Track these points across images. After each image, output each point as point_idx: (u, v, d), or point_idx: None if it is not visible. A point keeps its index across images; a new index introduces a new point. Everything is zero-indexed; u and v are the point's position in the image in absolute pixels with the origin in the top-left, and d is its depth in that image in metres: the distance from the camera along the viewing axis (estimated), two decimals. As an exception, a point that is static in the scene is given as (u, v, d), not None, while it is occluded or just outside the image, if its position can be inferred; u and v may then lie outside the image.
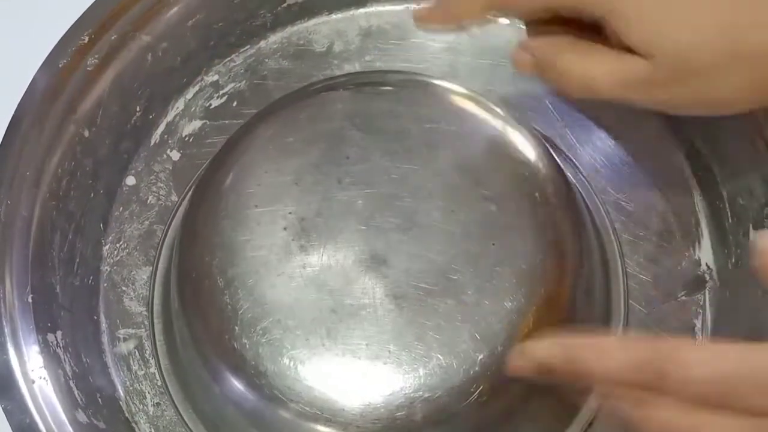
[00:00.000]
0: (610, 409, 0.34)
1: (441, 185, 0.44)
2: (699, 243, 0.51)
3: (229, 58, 0.58)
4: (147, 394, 0.49)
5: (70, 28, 0.50)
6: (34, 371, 0.44)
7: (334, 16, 0.59)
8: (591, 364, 0.34)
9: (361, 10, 0.59)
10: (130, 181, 0.54)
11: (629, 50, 0.37)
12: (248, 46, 0.58)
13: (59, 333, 0.47)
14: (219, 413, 0.47)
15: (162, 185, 0.54)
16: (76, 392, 0.45)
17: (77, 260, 0.50)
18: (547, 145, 0.51)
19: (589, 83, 0.38)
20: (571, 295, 0.44)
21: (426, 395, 0.41)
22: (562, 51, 0.38)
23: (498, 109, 0.48)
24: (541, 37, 0.39)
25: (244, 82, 0.57)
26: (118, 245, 0.53)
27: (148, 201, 0.54)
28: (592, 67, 0.37)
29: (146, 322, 0.51)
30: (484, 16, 0.40)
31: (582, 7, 0.37)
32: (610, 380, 0.33)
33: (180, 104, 0.56)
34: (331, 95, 0.48)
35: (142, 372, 0.50)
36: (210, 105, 0.57)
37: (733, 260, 0.49)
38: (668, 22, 0.36)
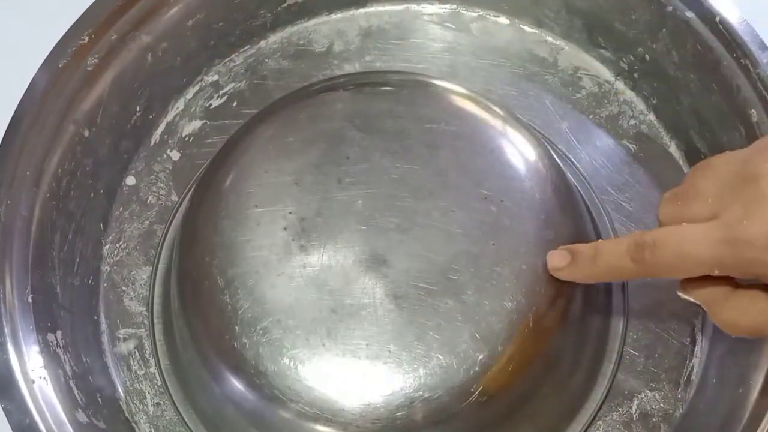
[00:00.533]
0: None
1: (441, 185, 0.44)
2: (699, 243, 0.51)
3: (229, 58, 0.58)
4: (147, 394, 0.49)
5: (70, 28, 0.50)
6: (34, 371, 0.44)
7: (334, 16, 0.59)
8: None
9: (361, 10, 0.59)
10: (130, 181, 0.54)
11: None
12: (248, 46, 0.58)
13: (59, 333, 0.47)
14: (219, 413, 0.47)
15: (162, 185, 0.54)
16: (76, 392, 0.45)
17: (77, 260, 0.50)
18: (547, 145, 0.51)
19: (757, 332, 0.39)
20: (571, 295, 0.44)
21: (426, 395, 0.41)
22: (725, 303, 0.39)
23: (498, 109, 0.48)
24: (700, 287, 0.40)
25: (244, 82, 0.57)
26: (118, 245, 0.53)
27: (148, 201, 0.54)
28: (757, 317, 0.39)
29: (146, 322, 0.51)
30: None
31: (741, 275, 0.38)
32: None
33: (180, 104, 0.56)
34: (331, 95, 0.48)
35: (142, 372, 0.50)
36: (210, 105, 0.57)
37: (733, 260, 0.49)
38: None
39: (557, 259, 0.43)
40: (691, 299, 0.40)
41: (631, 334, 0.49)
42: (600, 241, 0.43)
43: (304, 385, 0.41)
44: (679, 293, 0.41)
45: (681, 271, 0.39)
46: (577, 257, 0.42)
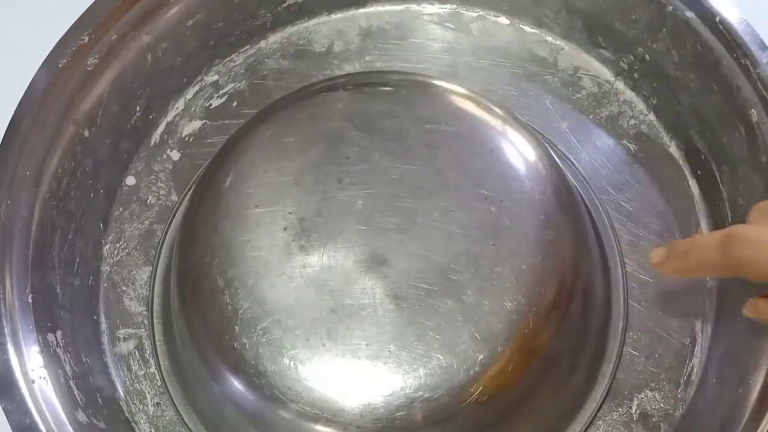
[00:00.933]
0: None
1: (441, 185, 0.44)
2: (699, 243, 0.51)
3: (229, 58, 0.58)
4: (147, 394, 0.49)
5: (70, 28, 0.50)
6: (34, 371, 0.44)
7: (334, 16, 0.59)
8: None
9: (361, 10, 0.59)
10: (130, 181, 0.54)
11: None
12: (248, 46, 0.58)
13: (59, 333, 0.47)
14: (219, 413, 0.47)
15: (162, 185, 0.54)
16: (76, 392, 0.45)
17: (77, 260, 0.50)
18: (547, 145, 0.51)
19: None
20: (571, 295, 0.44)
21: (426, 395, 0.41)
22: None
23: (498, 109, 0.48)
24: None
25: (244, 82, 0.57)
26: (118, 245, 0.53)
27: (148, 201, 0.54)
28: None
29: (146, 322, 0.51)
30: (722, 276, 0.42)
31: None
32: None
33: (180, 104, 0.56)
34: (331, 95, 0.48)
35: (142, 372, 0.50)
36: (210, 105, 0.57)
37: (733, 260, 0.49)
38: None
39: (657, 255, 0.43)
40: (759, 319, 0.40)
41: (631, 334, 0.49)
42: (697, 235, 0.43)
43: (304, 385, 0.41)
44: (745, 312, 0.41)
45: (766, 272, 0.38)
46: (672, 252, 0.42)
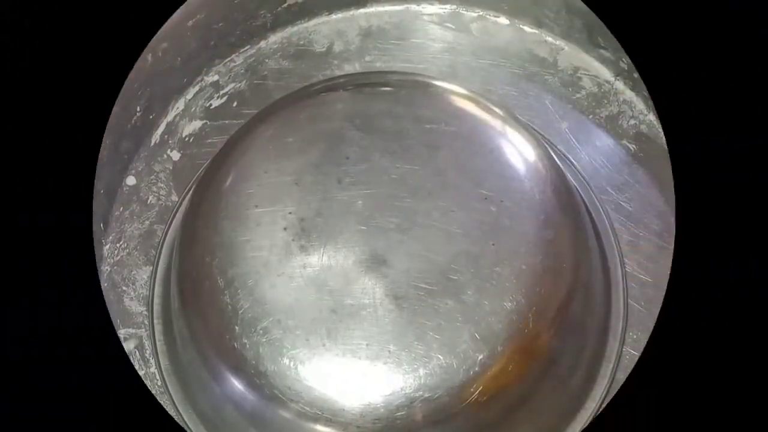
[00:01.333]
0: None
1: (441, 185, 0.44)
2: (699, 243, 0.51)
3: (229, 58, 0.58)
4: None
5: (71, 28, 0.50)
6: (35, 371, 0.44)
7: (334, 16, 0.59)
8: None
9: (361, 10, 0.59)
10: (131, 181, 0.54)
11: None
12: (248, 46, 0.58)
13: (59, 333, 0.47)
14: (219, 413, 0.47)
15: (162, 185, 0.54)
16: (76, 392, 0.45)
17: (77, 260, 0.50)
18: (547, 145, 0.51)
19: None
20: (571, 295, 0.44)
21: (426, 395, 0.41)
22: None
23: (498, 109, 0.48)
24: None
25: (244, 82, 0.57)
26: (118, 245, 0.53)
27: (149, 201, 0.54)
28: None
29: (146, 322, 0.51)
30: None
31: None
32: None
33: (180, 104, 0.56)
34: (331, 95, 0.48)
35: (143, 372, 0.50)
36: (210, 105, 0.57)
37: (733, 260, 0.49)
38: None
39: None
40: None
41: (630, 334, 0.49)
42: None
43: (304, 385, 0.41)
44: None
45: None
46: None
